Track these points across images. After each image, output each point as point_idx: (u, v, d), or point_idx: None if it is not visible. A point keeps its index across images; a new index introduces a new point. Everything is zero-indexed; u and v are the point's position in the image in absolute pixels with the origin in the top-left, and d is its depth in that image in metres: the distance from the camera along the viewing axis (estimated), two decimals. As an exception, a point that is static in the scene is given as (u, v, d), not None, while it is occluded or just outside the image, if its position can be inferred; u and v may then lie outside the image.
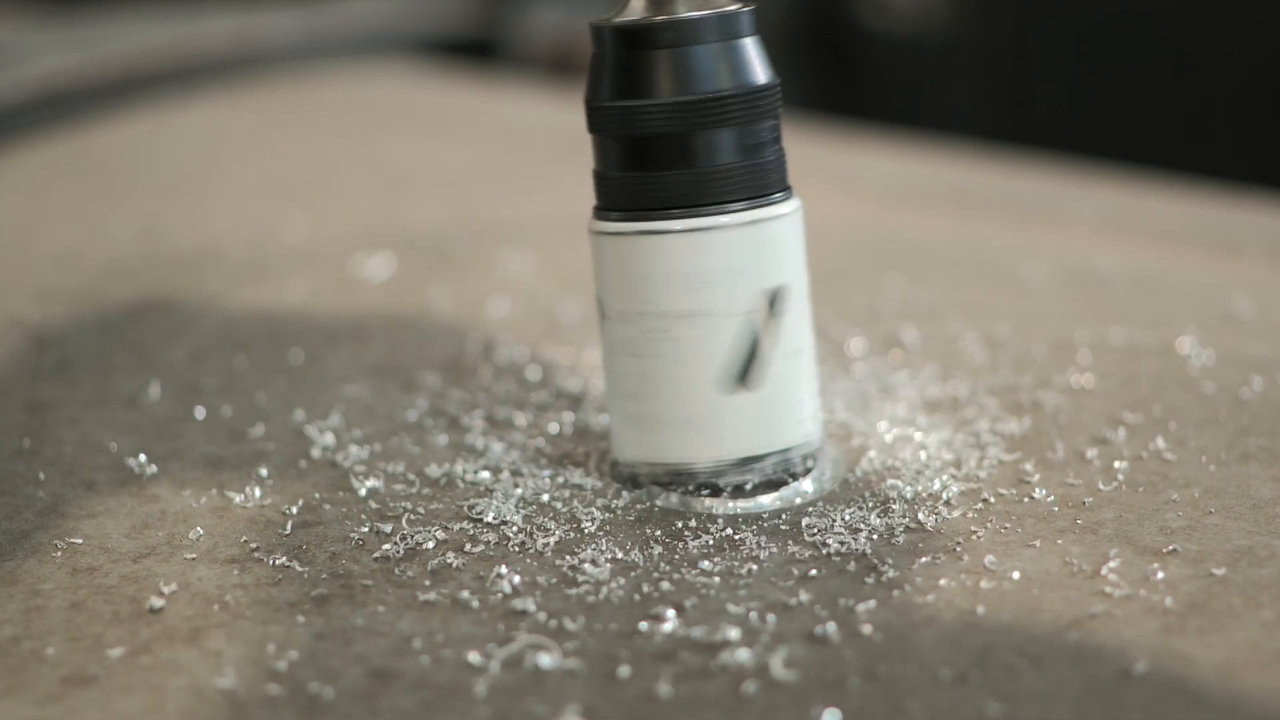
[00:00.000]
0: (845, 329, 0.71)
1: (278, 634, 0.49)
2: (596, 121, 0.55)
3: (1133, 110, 1.58)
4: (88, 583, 0.52)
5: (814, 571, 0.51)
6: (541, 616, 0.49)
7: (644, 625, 0.48)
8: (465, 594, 0.50)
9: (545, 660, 0.47)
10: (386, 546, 0.53)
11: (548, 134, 1.07)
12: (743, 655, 0.47)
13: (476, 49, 1.61)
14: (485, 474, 0.58)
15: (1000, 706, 0.44)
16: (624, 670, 0.46)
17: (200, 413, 0.63)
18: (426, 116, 1.17)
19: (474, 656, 0.47)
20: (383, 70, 1.33)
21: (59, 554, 0.53)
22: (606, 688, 0.46)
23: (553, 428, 0.61)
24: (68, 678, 0.47)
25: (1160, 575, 0.51)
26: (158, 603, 0.50)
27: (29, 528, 0.55)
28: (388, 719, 0.45)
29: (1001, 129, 1.56)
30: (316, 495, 0.56)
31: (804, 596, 0.50)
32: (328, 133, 0.91)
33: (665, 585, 0.51)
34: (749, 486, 0.56)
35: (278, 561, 0.52)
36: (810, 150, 0.99)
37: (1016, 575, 0.51)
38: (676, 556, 0.52)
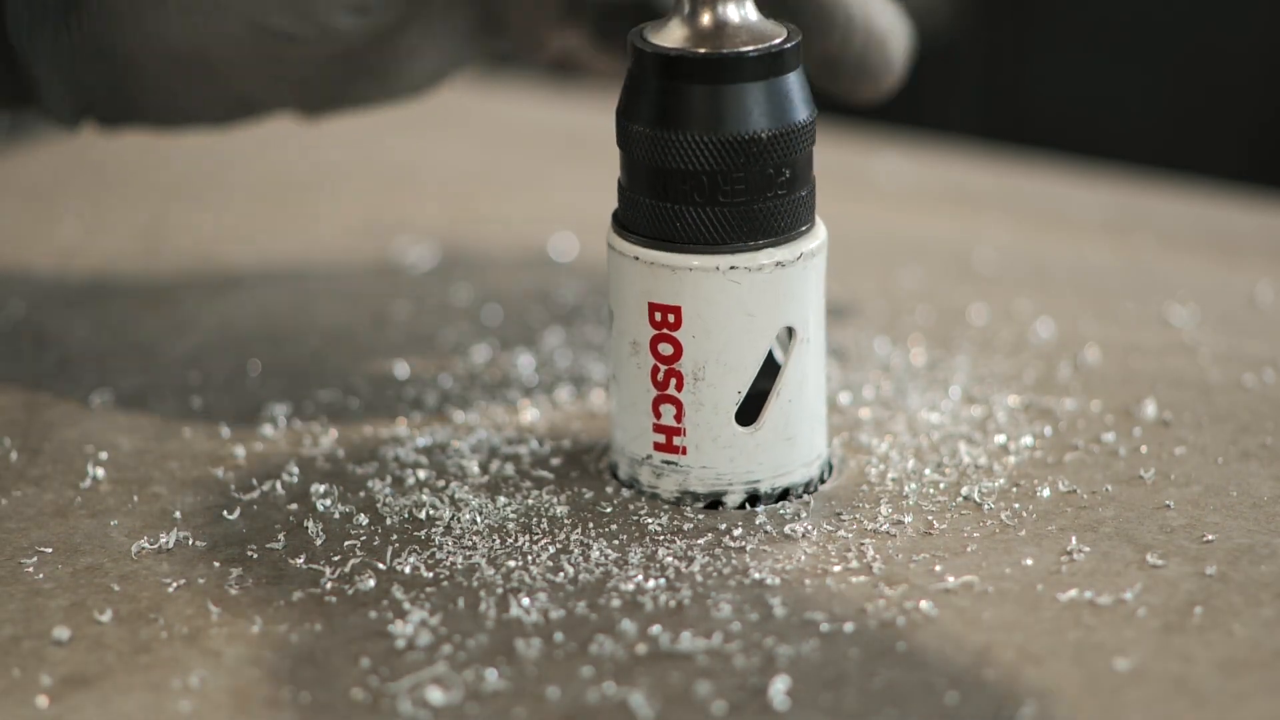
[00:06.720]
0: (854, 323, 0.71)
1: (278, 634, 0.49)
2: (624, 139, 0.53)
3: (1134, 110, 1.58)
4: (88, 582, 0.52)
5: (811, 569, 0.51)
6: (534, 616, 0.49)
7: (625, 625, 0.48)
8: (466, 597, 0.50)
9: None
10: (387, 547, 0.53)
11: (548, 134, 1.07)
12: (738, 658, 0.47)
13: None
14: (486, 477, 0.58)
15: (1000, 706, 0.44)
16: (597, 673, 0.46)
17: (201, 412, 0.63)
18: (427, 116, 1.17)
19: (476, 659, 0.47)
20: (383, 70, 1.33)
21: (59, 553, 0.53)
22: (579, 693, 0.46)
23: (561, 436, 0.61)
24: (68, 678, 0.47)
25: (1160, 573, 0.51)
26: (157, 602, 0.50)
27: (29, 527, 0.55)
28: (389, 719, 0.45)
29: (1001, 129, 1.56)
30: (318, 495, 0.56)
31: (800, 595, 0.50)
32: (328, 132, 0.91)
33: (651, 583, 0.51)
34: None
35: (278, 561, 0.52)
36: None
37: (1016, 573, 0.51)
38: (665, 553, 0.52)
